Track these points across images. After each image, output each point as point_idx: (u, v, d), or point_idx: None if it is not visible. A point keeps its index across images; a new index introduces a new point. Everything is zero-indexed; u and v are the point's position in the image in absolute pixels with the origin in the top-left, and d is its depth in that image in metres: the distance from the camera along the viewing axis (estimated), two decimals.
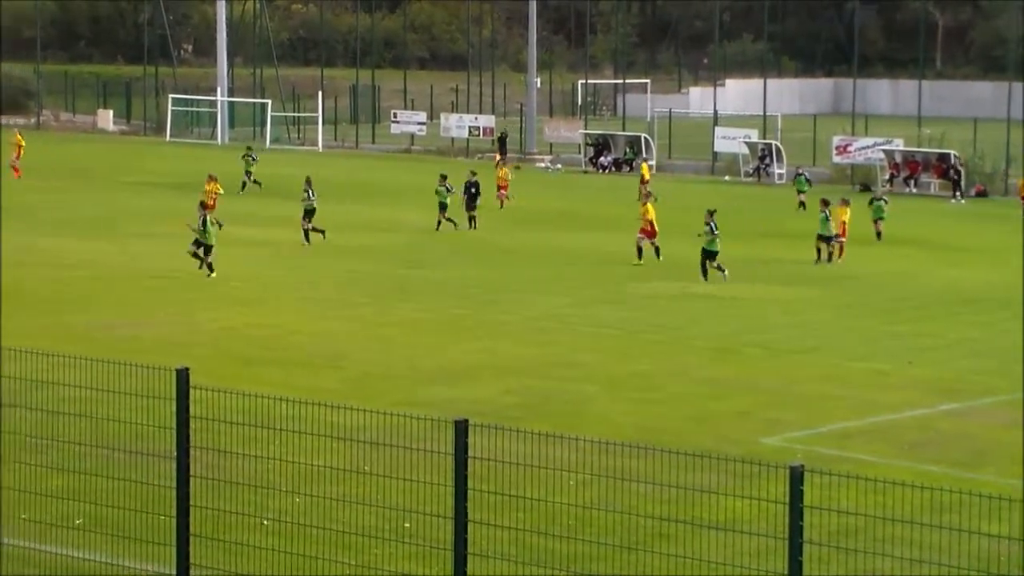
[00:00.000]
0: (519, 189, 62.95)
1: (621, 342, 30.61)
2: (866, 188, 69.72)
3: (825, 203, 44.04)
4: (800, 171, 63.28)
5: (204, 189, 48.54)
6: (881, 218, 49.09)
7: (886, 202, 50.27)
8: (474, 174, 50.36)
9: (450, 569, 13.05)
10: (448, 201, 48.70)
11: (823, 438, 22.83)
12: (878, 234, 48.70)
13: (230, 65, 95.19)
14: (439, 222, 48.59)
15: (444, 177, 49.15)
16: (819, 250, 43.42)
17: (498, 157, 78.05)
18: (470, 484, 12.93)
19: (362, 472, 15.77)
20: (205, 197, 45.30)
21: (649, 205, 42.45)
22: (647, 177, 64.32)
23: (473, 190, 49.72)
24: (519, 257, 44.14)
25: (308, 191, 44.91)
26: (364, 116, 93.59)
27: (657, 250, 42.16)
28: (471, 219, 49.55)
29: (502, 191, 56.82)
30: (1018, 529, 14.25)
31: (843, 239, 44.10)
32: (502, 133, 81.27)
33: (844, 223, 44.36)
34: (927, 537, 14.13)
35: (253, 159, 61.69)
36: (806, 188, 60.18)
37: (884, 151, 71.38)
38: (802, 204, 58.84)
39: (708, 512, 17.12)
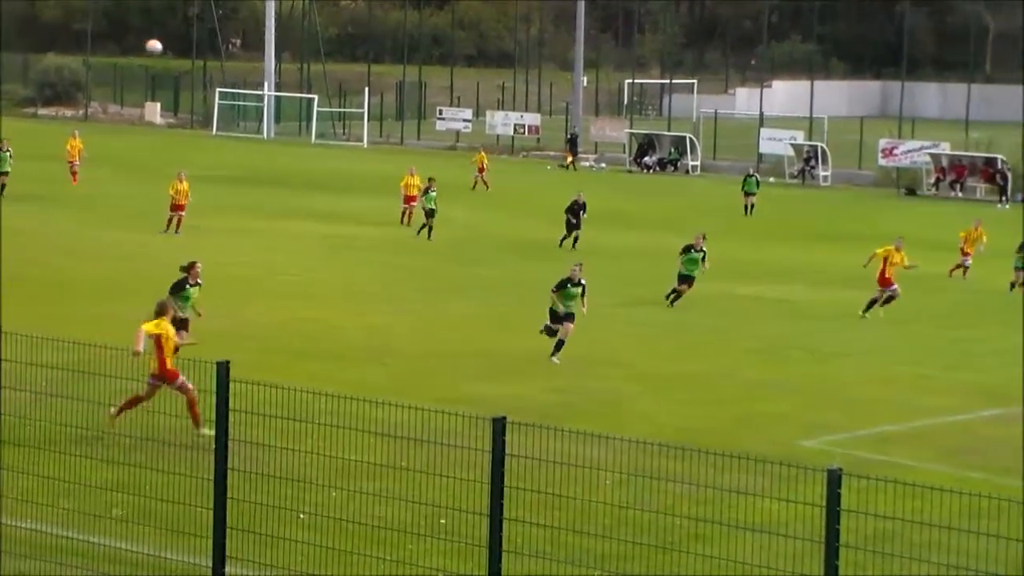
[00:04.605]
0: (563, 188, 63.00)
1: (666, 342, 30.60)
2: (911, 192, 69.49)
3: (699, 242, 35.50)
4: (751, 172, 60.42)
5: (175, 188, 44.40)
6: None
7: None
8: (580, 194, 46.65)
9: (485, 566, 13.10)
10: (435, 206, 46.09)
11: (863, 442, 22.76)
12: None
13: (278, 60, 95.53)
14: (429, 228, 45.77)
15: (432, 180, 47.07)
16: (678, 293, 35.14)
17: (569, 158, 78.13)
18: (507, 482, 12.98)
19: (400, 468, 15.84)
20: (176, 197, 43.94)
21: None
22: (485, 163, 63.16)
23: (582, 212, 45.70)
24: (566, 256, 44.12)
25: None
26: (410, 112, 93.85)
27: None
28: (574, 239, 45.13)
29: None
30: None
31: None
32: (572, 133, 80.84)
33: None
34: (964, 543, 14.10)
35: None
36: (756, 190, 57.62)
37: (930, 154, 71.11)
38: (750, 208, 56.81)
39: (744, 514, 17.09)
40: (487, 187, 60.75)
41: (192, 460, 15.81)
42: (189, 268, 26.39)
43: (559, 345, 27.97)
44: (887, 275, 34.72)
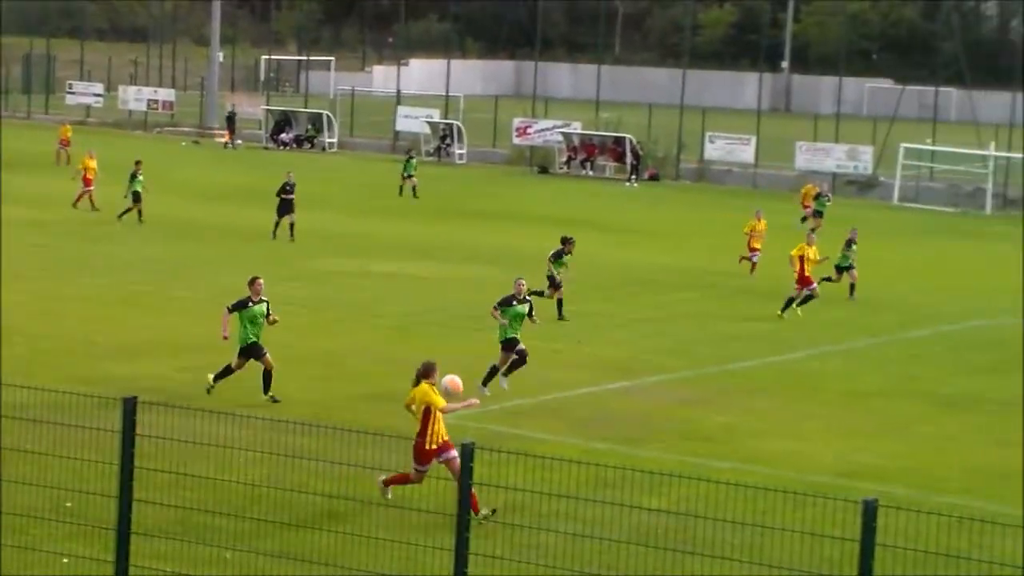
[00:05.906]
0: (199, 165, 62.18)
1: (303, 319, 30.46)
2: (544, 170, 70.97)
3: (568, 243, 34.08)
4: (410, 153, 59.82)
5: None
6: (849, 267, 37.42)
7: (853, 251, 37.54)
8: (289, 174, 44.43)
9: (113, 549, 12.82)
10: (142, 190, 44.74)
11: (497, 415, 23.13)
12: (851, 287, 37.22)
13: None
14: (138, 212, 44.39)
15: (138, 164, 45.70)
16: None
17: (228, 137, 76.77)
18: (137, 462, 12.73)
19: (23, 451, 15.35)
20: None
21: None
22: (69, 136, 61.93)
23: (292, 193, 43.24)
24: (199, 234, 43.54)
25: None
26: (38, 86, 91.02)
27: None
28: (290, 226, 42.82)
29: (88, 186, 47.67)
30: (676, 503, 14.73)
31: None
32: (231, 111, 79.17)
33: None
34: (590, 512, 14.49)
35: None
36: (415, 172, 57.00)
37: (562, 134, 72.72)
38: (412, 189, 56.01)
39: (378, 490, 17.19)
40: (68, 161, 58.64)
41: None
42: (251, 284, 23.29)
43: (514, 365, 24.45)
44: (806, 274, 34.12)
